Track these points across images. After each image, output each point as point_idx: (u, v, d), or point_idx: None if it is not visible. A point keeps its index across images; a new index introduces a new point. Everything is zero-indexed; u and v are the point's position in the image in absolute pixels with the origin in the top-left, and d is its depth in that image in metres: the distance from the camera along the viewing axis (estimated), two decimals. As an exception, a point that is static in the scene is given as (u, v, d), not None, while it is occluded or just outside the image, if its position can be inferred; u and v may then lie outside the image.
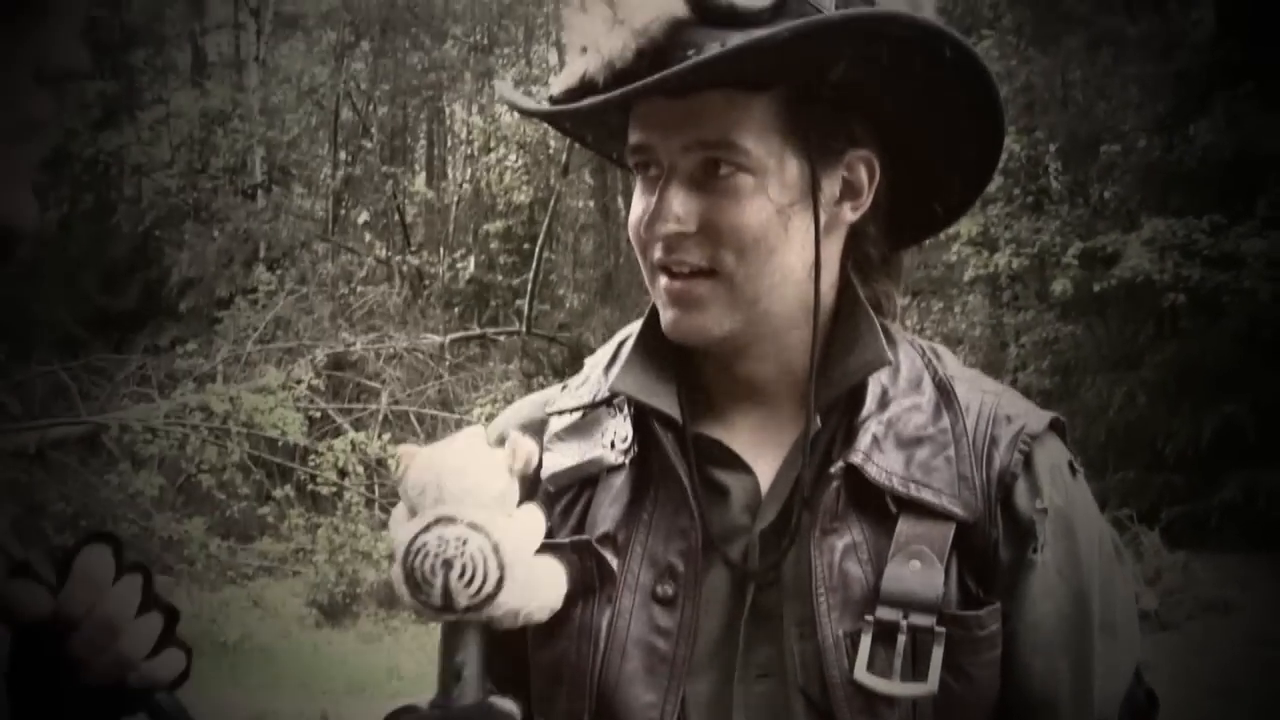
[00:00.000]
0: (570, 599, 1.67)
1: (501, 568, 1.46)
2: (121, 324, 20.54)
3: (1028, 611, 1.65)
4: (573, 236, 23.96)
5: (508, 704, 1.49)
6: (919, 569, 1.62)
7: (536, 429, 1.83)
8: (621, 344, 1.84)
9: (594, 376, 1.84)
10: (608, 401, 1.81)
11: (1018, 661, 1.66)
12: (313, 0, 23.04)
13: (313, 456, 13.57)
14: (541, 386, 12.60)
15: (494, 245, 22.05)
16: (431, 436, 15.64)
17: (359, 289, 18.97)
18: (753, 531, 1.72)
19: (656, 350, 1.79)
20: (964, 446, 1.70)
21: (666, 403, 1.76)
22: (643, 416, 1.77)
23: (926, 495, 1.66)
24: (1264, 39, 14.73)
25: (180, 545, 12.48)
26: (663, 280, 1.72)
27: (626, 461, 1.74)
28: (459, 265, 21.14)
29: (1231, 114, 14.97)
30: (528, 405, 1.94)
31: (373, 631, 13.03)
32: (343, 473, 13.45)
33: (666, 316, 1.74)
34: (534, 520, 1.56)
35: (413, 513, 1.53)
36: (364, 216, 24.11)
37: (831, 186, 1.71)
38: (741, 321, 1.72)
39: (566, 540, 1.69)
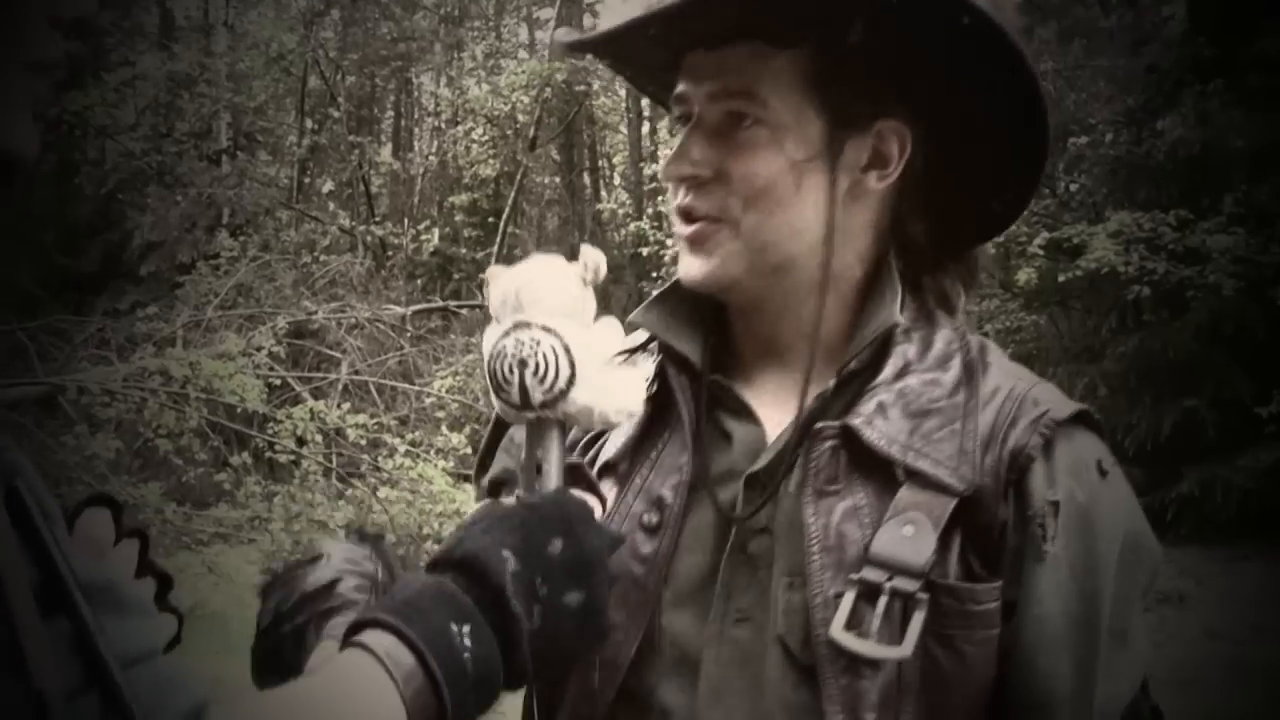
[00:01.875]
0: None
1: (573, 365, 1.54)
2: (81, 286, 20.47)
3: (1034, 605, 1.65)
4: (538, 212, 24.01)
5: (585, 495, 1.57)
6: (910, 534, 1.63)
7: None
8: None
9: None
10: (644, 346, 1.85)
11: (1020, 655, 1.65)
12: (283, -34, 22.99)
13: (271, 424, 13.53)
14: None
15: (459, 218, 22.07)
16: (391, 408, 15.67)
17: (322, 258, 18.92)
18: (743, 475, 1.73)
19: (684, 298, 1.83)
20: (975, 422, 1.70)
21: (684, 344, 1.80)
22: (666, 356, 1.81)
23: (924, 465, 1.66)
24: (1234, 35, 14.83)
25: (136, 510, 12.39)
26: (680, 226, 1.79)
27: (620, 366, 1.75)
28: (423, 237, 21.15)
29: (1201, 110, 15.08)
30: None
31: (328, 603, 13.00)
32: (301, 441, 13.41)
33: (681, 263, 1.79)
34: (609, 330, 1.62)
35: (497, 324, 1.62)
36: (329, 186, 24.08)
37: (857, 152, 1.73)
38: (751, 270, 1.74)
39: (571, 462, 1.70)
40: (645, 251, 18.64)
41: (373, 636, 1.31)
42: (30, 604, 1.04)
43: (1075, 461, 1.69)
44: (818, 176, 1.71)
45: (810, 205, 1.72)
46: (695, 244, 1.76)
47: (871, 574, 1.62)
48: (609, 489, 1.77)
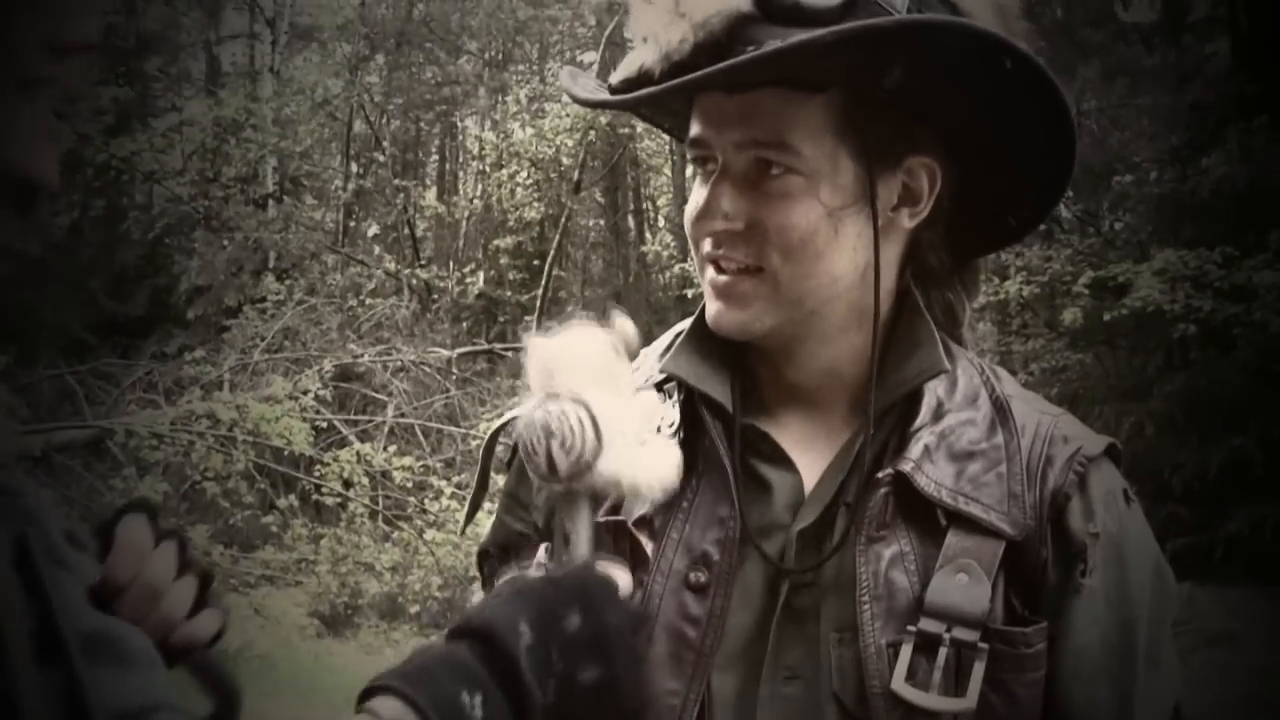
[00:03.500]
0: None
1: (599, 437, 1.50)
2: (129, 330, 20.54)
3: (1072, 637, 1.64)
4: (582, 254, 24.00)
5: (612, 568, 1.53)
6: (965, 582, 1.62)
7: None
8: (678, 335, 1.85)
9: (648, 364, 1.83)
10: (659, 387, 1.81)
11: (1059, 686, 1.64)
12: (328, 12, 23.08)
13: (318, 467, 13.58)
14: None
15: (504, 261, 22.08)
16: (437, 451, 15.68)
17: (367, 301, 18.96)
18: (791, 530, 1.71)
19: (709, 342, 1.79)
20: (1017, 464, 1.69)
21: (717, 390, 1.77)
22: (691, 403, 1.78)
23: (975, 510, 1.65)
24: (1278, 71, 14.71)
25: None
26: (710, 273, 1.75)
27: (657, 438, 1.73)
28: (468, 280, 21.16)
29: (1245, 146, 14.92)
30: None
31: (373, 643, 13.00)
32: (347, 484, 13.46)
33: (711, 309, 1.76)
34: (643, 401, 1.62)
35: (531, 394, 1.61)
36: (374, 229, 24.13)
37: (889, 191, 1.71)
38: (785, 320, 1.72)
39: (601, 520, 1.68)
40: (690, 293, 18.60)
41: (382, 702, 1.31)
42: (24, 652, 1.05)
43: (1106, 494, 1.69)
44: (855, 221, 1.69)
45: (848, 251, 1.70)
46: (729, 294, 1.74)
47: (929, 625, 1.61)
48: (645, 541, 1.74)
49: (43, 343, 17.45)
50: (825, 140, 1.67)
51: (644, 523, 1.75)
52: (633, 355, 1.65)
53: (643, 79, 1.68)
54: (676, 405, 1.78)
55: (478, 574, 2.02)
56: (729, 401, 1.77)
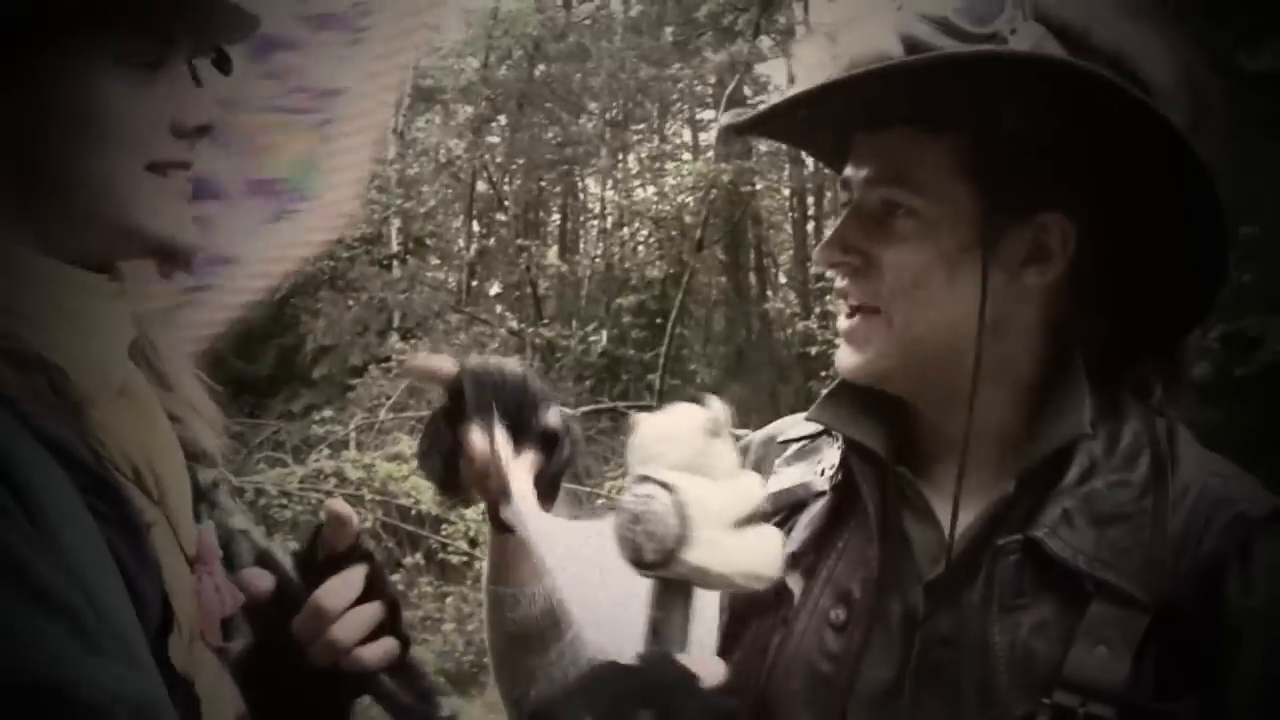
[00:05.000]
0: (746, 614, 1.74)
1: (683, 525, 1.46)
2: (257, 389, 20.77)
3: (1229, 716, 1.55)
4: (704, 312, 23.99)
5: (705, 661, 1.47)
6: (1104, 655, 1.56)
7: (776, 452, 1.92)
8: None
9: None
10: (828, 432, 1.83)
11: None
12: (451, 75, 23.32)
13: (444, 525, 13.61)
14: (672, 460, 12.62)
15: (626, 320, 22.10)
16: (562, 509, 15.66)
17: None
18: (922, 579, 1.70)
19: (865, 388, 1.78)
20: (1166, 529, 1.61)
21: (868, 436, 1.77)
22: (849, 448, 1.78)
23: (1113, 578, 1.59)
24: None
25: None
26: (841, 317, 1.77)
27: (829, 488, 1.75)
28: (591, 339, 21.20)
29: (1379, 198, 14.71)
30: (773, 428, 2.00)
31: (499, 701, 12.95)
32: (473, 542, 13.47)
33: (839, 353, 1.77)
34: (742, 487, 1.54)
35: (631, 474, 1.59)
36: (497, 288, 24.26)
37: (1016, 245, 1.67)
38: (905, 365, 1.72)
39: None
40: (813, 351, 18.56)
41: None
42: None
43: (1273, 563, 1.59)
44: (972, 268, 1.66)
45: (964, 297, 1.67)
46: (850, 336, 1.74)
47: (1064, 698, 1.56)
48: (795, 581, 1.75)
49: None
50: (946, 181, 1.66)
51: (796, 560, 1.76)
52: (723, 436, 1.63)
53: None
54: (838, 449, 1.80)
55: None
56: (879, 445, 1.77)
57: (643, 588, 1.47)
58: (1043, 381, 1.74)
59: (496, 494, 1.70)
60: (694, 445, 1.53)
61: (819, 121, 1.76)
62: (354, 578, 1.64)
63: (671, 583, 1.50)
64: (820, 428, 1.86)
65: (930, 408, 1.78)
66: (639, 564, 1.49)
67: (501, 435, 1.72)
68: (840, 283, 1.74)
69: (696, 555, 1.47)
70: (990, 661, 1.61)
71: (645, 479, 1.50)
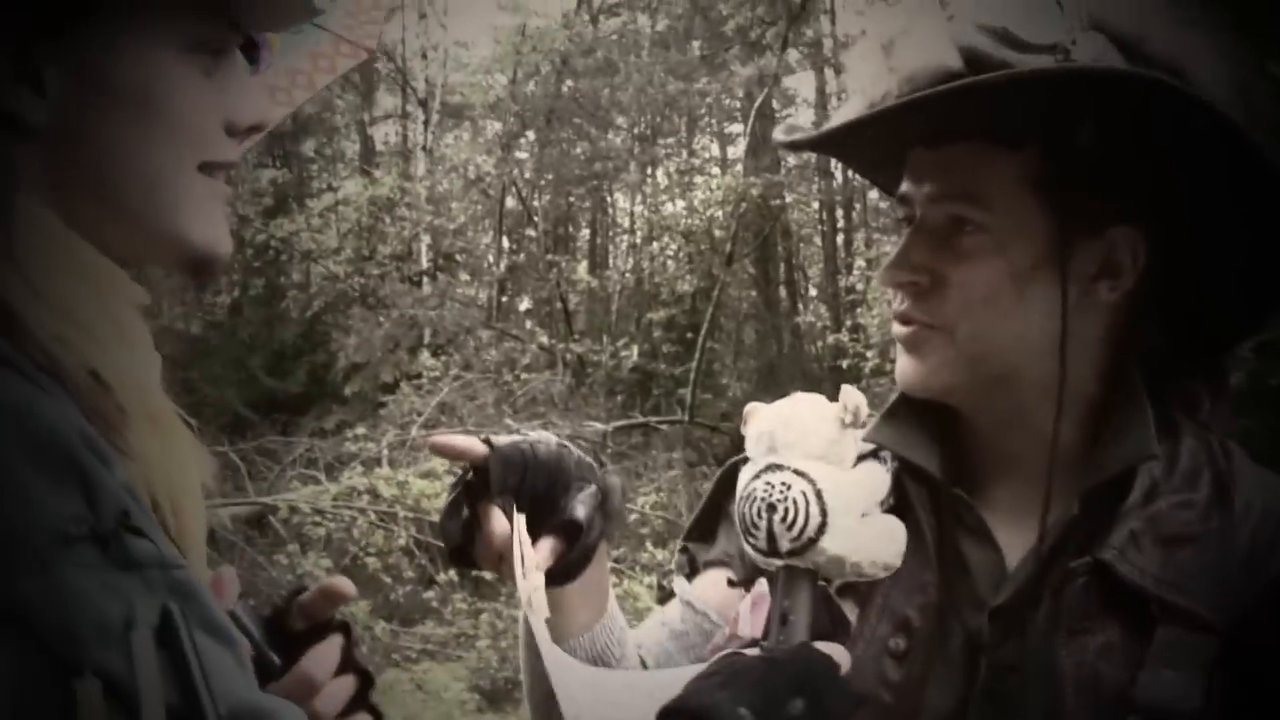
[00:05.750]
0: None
1: (824, 514, 1.47)
2: (289, 407, 20.83)
3: None
4: (735, 326, 23.95)
5: (833, 647, 1.47)
6: (1175, 679, 1.53)
7: None
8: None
9: (865, 429, 1.77)
10: (875, 454, 1.75)
11: None
12: (479, 91, 23.36)
13: (477, 542, 13.60)
14: (705, 476, 12.50)
15: (657, 334, 22.07)
16: (594, 525, 15.65)
17: (522, 376, 19.01)
18: (988, 605, 1.66)
19: (919, 408, 1.75)
20: (1234, 550, 1.58)
21: (923, 456, 1.73)
22: (902, 470, 1.73)
23: (1183, 600, 1.55)
24: None
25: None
26: (897, 327, 1.72)
27: (881, 513, 1.69)
28: (622, 354, 21.17)
29: None
30: None
31: (533, 719, 12.97)
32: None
33: (897, 364, 1.74)
34: (869, 477, 1.56)
35: (752, 464, 1.59)
36: (527, 304, 24.26)
37: (1087, 260, 1.64)
38: (968, 381, 1.68)
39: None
40: (844, 364, 18.52)
41: None
42: None
43: None
44: (1043, 285, 1.63)
45: (1036, 314, 1.64)
46: (909, 347, 1.71)
47: None
48: (849, 609, 1.70)
49: (204, 420, 17.69)
50: (1017, 197, 1.62)
51: (850, 587, 1.70)
52: (861, 426, 1.61)
53: (850, 128, 1.69)
54: (890, 472, 1.72)
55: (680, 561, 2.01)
56: (934, 468, 1.73)
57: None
58: (1102, 399, 1.71)
59: (510, 578, 1.68)
60: (827, 435, 1.55)
61: (873, 136, 1.72)
62: (334, 648, 1.58)
63: (798, 572, 1.51)
64: (867, 449, 1.79)
65: (988, 426, 1.75)
66: (773, 553, 1.51)
67: (521, 523, 1.69)
68: (901, 304, 1.71)
69: (834, 544, 1.49)
70: (1057, 687, 1.58)
71: (778, 468, 1.51)
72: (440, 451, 1.79)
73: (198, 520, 1.39)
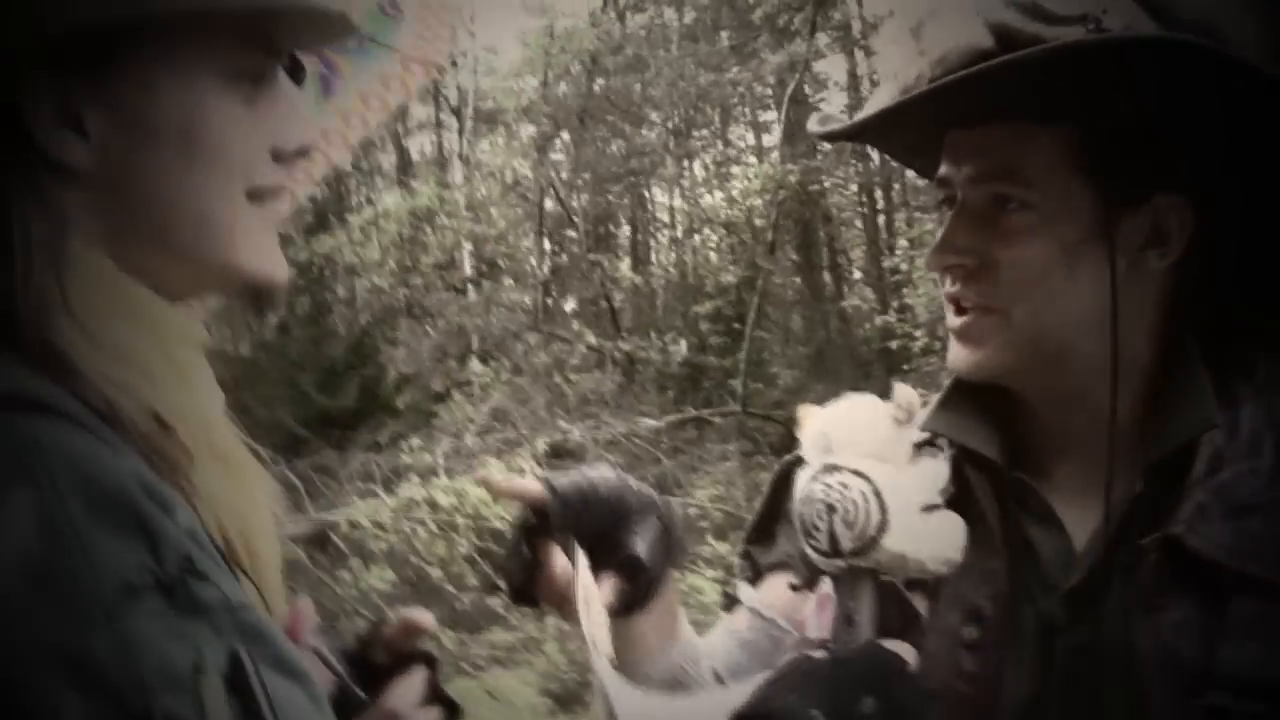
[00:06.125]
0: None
1: (883, 511, 1.48)
2: (342, 422, 20.89)
3: None
4: (782, 314, 23.91)
5: (900, 644, 1.47)
6: (1256, 650, 1.50)
7: None
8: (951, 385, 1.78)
9: (920, 420, 1.76)
10: (930, 442, 1.74)
11: None
12: (511, 96, 23.36)
13: (540, 546, 13.63)
14: (760, 466, 12.44)
15: (704, 327, 22.05)
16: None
17: (572, 377, 19.04)
18: (1059, 589, 1.64)
19: (973, 393, 1.74)
20: None
21: (981, 442, 1.71)
22: (961, 457, 1.71)
23: (1256, 569, 1.53)
24: None
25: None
26: (950, 315, 1.70)
27: (943, 504, 1.67)
28: (670, 348, 21.16)
29: None
30: None
31: (604, 721, 12.98)
32: (568, 560, 13.51)
33: (950, 351, 1.71)
34: (927, 470, 1.57)
35: (808, 466, 1.59)
36: (572, 304, 24.28)
37: (1134, 230, 1.61)
38: (1024, 361, 1.66)
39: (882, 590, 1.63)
40: (894, 345, 18.46)
41: None
42: None
43: None
44: (1093, 259, 1.60)
45: (1086, 289, 1.61)
46: (964, 334, 1.69)
47: (1218, 697, 1.50)
48: (919, 602, 1.68)
49: (259, 441, 17.74)
50: (1059, 172, 1.60)
51: (918, 582, 1.68)
52: (912, 424, 1.61)
53: (884, 114, 1.67)
54: (948, 461, 1.71)
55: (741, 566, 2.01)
56: (993, 453, 1.71)
57: None
58: (1158, 370, 1.69)
59: (574, 617, 1.68)
60: (882, 433, 1.57)
61: (907, 122, 1.70)
62: (419, 680, 1.59)
63: (861, 571, 1.51)
64: (922, 438, 1.77)
65: (1045, 406, 1.73)
66: (835, 554, 1.51)
67: (583, 561, 1.70)
68: (951, 287, 1.69)
69: (895, 542, 1.50)
70: (1135, 666, 1.56)
71: (835, 468, 1.52)
72: (499, 493, 1.81)
73: (272, 553, 1.40)
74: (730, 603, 1.99)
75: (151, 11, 1.25)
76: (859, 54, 23.11)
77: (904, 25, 1.69)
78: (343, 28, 1.45)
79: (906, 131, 1.78)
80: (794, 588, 1.80)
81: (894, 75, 1.67)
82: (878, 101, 1.69)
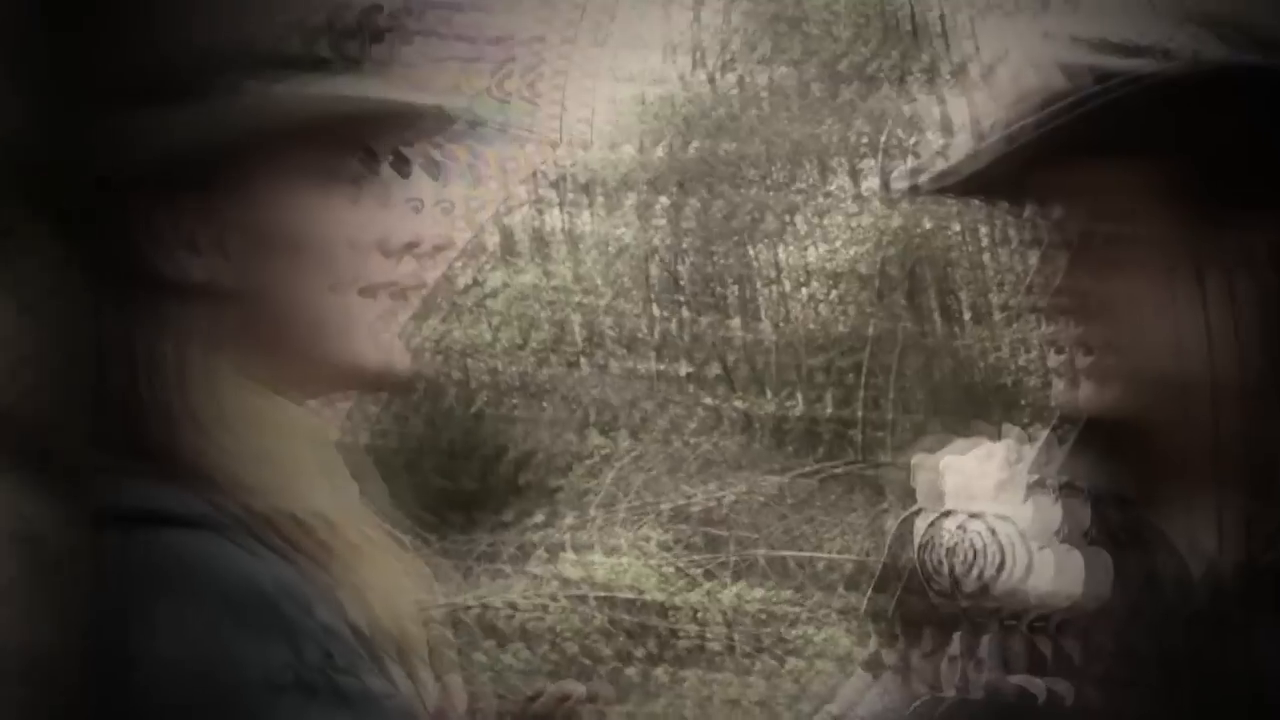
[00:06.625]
0: None
1: (1001, 550, 1.53)
2: (465, 504, 21.02)
3: None
4: (895, 360, 23.87)
5: (1027, 679, 1.53)
6: None
7: None
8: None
9: (1031, 459, 1.76)
10: (1041, 483, 1.73)
11: None
12: (610, 166, 23.51)
13: (670, 612, 13.69)
14: (885, 513, 12.43)
15: (818, 379, 22.08)
16: (784, 577, 15.66)
17: (691, 440, 19.09)
18: (1179, 617, 1.64)
19: (1083, 427, 1.73)
20: None
21: (1093, 476, 1.72)
22: (1071, 492, 1.71)
23: None
24: None
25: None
26: (1050, 355, 1.72)
27: (1060, 540, 1.68)
28: (786, 404, 21.22)
29: None
30: None
31: (750, 784, 12.99)
32: (701, 624, 13.53)
33: (1055, 390, 1.73)
34: (1041, 509, 1.59)
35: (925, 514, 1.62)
36: (686, 368, 24.36)
37: (1224, 253, 1.62)
38: (1130, 393, 1.66)
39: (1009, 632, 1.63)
40: (1008, 381, 18.37)
41: None
42: None
43: None
44: (1187, 284, 1.61)
45: (1186, 317, 1.62)
46: (1070, 370, 1.69)
47: None
48: (1042, 640, 1.69)
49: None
50: (1147, 203, 1.61)
51: (1041, 620, 1.67)
52: (1025, 462, 1.61)
53: (961, 164, 1.70)
54: (1058, 499, 1.71)
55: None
56: (1103, 485, 1.71)
57: None
58: (1258, 386, 1.67)
59: None
60: (994, 475, 1.61)
61: (989, 167, 1.70)
62: None
63: (984, 612, 1.55)
64: (1033, 479, 1.76)
65: (1152, 433, 1.71)
66: (956, 597, 1.56)
67: None
68: (1049, 329, 1.70)
69: (1015, 581, 1.54)
70: (1263, 688, 1.57)
71: (951, 514, 1.57)
72: None
73: (420, 636, 1.43)
74: (875, 665, 1.99)
75: (242, 130, 1.30)
76: (950, 95, 23.08)
77: (978, 70, 1.70)
78: (440, 120, 1.49)
79: (990, 177, 1.79)
80: (925, 655, 1.81)
81: (971, 123, 1.68)
82: (957, 151, 1.70)
